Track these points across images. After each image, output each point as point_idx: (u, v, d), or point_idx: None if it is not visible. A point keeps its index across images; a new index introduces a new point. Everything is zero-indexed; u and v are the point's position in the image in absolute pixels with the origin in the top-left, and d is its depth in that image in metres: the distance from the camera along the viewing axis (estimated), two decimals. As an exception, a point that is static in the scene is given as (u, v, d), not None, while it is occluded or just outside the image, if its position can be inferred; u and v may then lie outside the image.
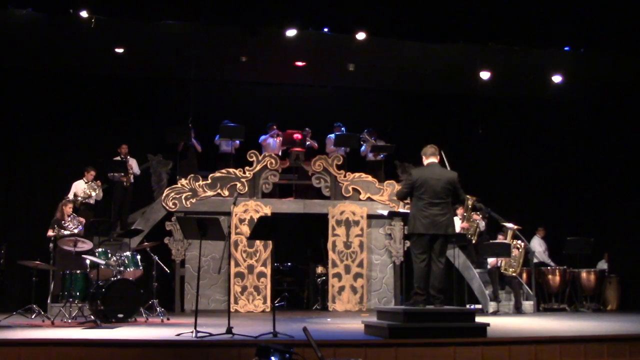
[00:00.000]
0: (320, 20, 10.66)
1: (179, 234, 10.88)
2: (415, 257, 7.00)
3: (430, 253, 6.95)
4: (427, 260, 6.92)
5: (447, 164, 9.19)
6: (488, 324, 6.74)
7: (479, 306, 11.15)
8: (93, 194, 10.89)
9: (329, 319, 9.47)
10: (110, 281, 8.57)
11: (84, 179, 10.96)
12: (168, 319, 8.95)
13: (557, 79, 12.61)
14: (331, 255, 11.63)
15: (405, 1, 10.46)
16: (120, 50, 11.46)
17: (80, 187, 10.91)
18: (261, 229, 7.16)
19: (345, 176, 11.97)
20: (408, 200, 7.63)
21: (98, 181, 11.05)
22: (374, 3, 10.43)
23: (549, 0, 10.47)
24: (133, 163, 11.63)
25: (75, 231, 9.79)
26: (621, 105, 13.45)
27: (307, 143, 12.48)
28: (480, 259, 11.67)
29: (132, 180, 11.58)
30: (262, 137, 12.42)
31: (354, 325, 8.03)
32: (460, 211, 11.74)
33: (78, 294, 8.71)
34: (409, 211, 7.30)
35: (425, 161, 7.26)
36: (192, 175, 11.52)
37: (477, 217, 11.76)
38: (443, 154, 8.19)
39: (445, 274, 7.19)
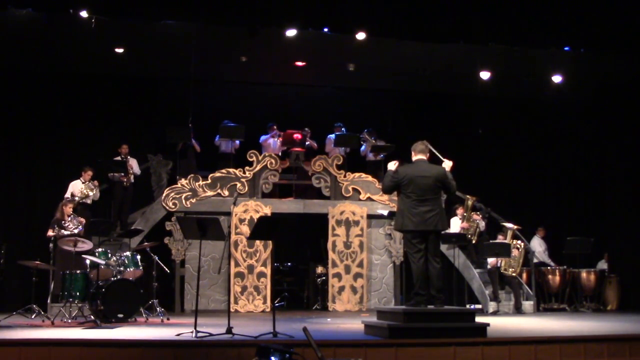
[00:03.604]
0: (320, 20, 10.65)
1: (179, 234, 10.88)
2: (411, 256, 6.95)
3: (426, 253, 6.89)
4: (423, 259, 6.85)
5: (439, 155, 8.55)
6: (488, 324, 6.73)
7: (479, 306, 11.15)
8: (90, 193, 10.86)
9: (329, 319, 9.47)
10: (110, 281, 8.57)
11: (81, 178, 10.92)
12: (168, 319, 8.95)
13: (557, 79, 12.61)
14: (331, 255, 11.63)
15: (405, 1, 10.46)
16: (120, 50, 11.47)
17: (77, 187, 10.88)
18: (261, 229, 7.16)
19: (345, 176, 11.96)
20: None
21: (95, 181, 11.02)
22: (374, 3, 10.44)
23: (549, 0, 10.47)
24: (133, 163, 11.62)
25: (76, 231, 9.78)
26: (621, 105, 13.44)
27: (307, 143, 12.48)
28: (480, 259, 11.67)
29: (133, 180, 11.57)
30: (263, 137, 12.42)
31: (354, 325, 8.03)
32: (460, 211, 11.75)
33: (78, 294, 8.69)
34: None
35: (414, 157, 7.14)
36: (192, 175, 11.52)
37: (477, 217, 11.76)
38: (433, 149, 7.88)
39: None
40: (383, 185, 7.34)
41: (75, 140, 12.42)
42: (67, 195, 10.74)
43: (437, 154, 7.38)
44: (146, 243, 9.97)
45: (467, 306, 10.74)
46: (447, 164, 7.15)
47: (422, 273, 6.84)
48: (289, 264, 12.58)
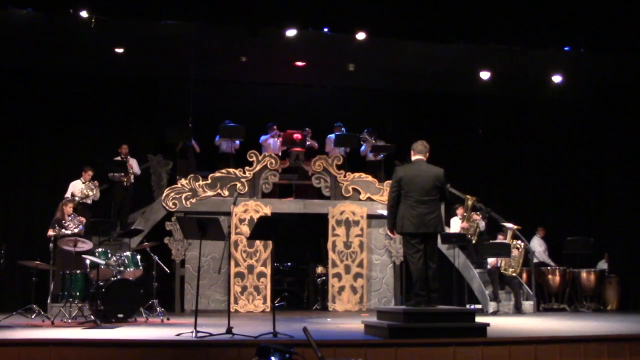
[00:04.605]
0: (320, 20, 10.66)
1: (179, 234, 10.88)
2: (410, 257, 6.92)
3: (424, 253, 6.87)
4: (422, 259, 6.82)
5: None
6: (488, 324, 6.74)
7: (479, 306, 11.15)
8: (90, 193, 10.85)
9: (329, 319, 9.48)
10: (110, 281, 8.57)
11: (82, 179, 10.92)
12: (168, 319, 8.96)
13: (557, 79, 12.63)
14: (331, 255, 11.62)
15: (405, 1, 10.46)
16: (120, 50, 11.47)
17: (77, 187, 10.88)
18: (261, 229, 7.16)
19: (345, 176, 11.96)
20: None
21: (95, 181, 11.02)
22: (374, 3, 10.44)
23: (549, 0, 10.47)
24: (133, 163, 11.61)
25: (76, 231, 9.77)
26: (621, 105, 13.45)
27: (307, 143, 12.48)
28: (480, 259, 11.66)
29: (133, 180, 11.56)
30: (263, 137, 12.42)
31: (354, 325, 8.03)
32: (460, 211, 11.75)
33: (78, 294, 8.71)
34: None
35: (413, 157, 7.13)
36: (192, 175, 11.52)
37: (477, 217, 11.75)
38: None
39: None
40: (390, 200, 7.08)
41: (75, 140, 12.43)
42: (67, 195, 10.73)
43: None
44: (146, 243, 9.96)
45: (467, 306, 10.74)
46: None
47: (422, 274, 6.81)
48: (289, 264, 12.58)
